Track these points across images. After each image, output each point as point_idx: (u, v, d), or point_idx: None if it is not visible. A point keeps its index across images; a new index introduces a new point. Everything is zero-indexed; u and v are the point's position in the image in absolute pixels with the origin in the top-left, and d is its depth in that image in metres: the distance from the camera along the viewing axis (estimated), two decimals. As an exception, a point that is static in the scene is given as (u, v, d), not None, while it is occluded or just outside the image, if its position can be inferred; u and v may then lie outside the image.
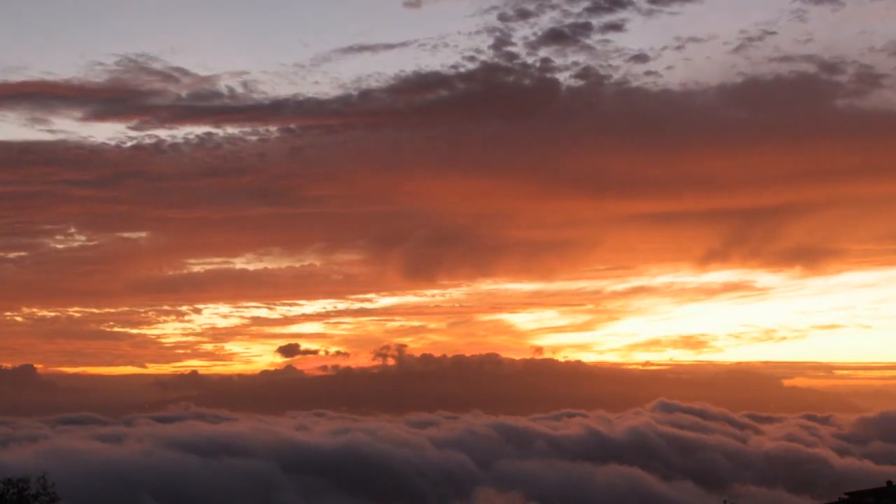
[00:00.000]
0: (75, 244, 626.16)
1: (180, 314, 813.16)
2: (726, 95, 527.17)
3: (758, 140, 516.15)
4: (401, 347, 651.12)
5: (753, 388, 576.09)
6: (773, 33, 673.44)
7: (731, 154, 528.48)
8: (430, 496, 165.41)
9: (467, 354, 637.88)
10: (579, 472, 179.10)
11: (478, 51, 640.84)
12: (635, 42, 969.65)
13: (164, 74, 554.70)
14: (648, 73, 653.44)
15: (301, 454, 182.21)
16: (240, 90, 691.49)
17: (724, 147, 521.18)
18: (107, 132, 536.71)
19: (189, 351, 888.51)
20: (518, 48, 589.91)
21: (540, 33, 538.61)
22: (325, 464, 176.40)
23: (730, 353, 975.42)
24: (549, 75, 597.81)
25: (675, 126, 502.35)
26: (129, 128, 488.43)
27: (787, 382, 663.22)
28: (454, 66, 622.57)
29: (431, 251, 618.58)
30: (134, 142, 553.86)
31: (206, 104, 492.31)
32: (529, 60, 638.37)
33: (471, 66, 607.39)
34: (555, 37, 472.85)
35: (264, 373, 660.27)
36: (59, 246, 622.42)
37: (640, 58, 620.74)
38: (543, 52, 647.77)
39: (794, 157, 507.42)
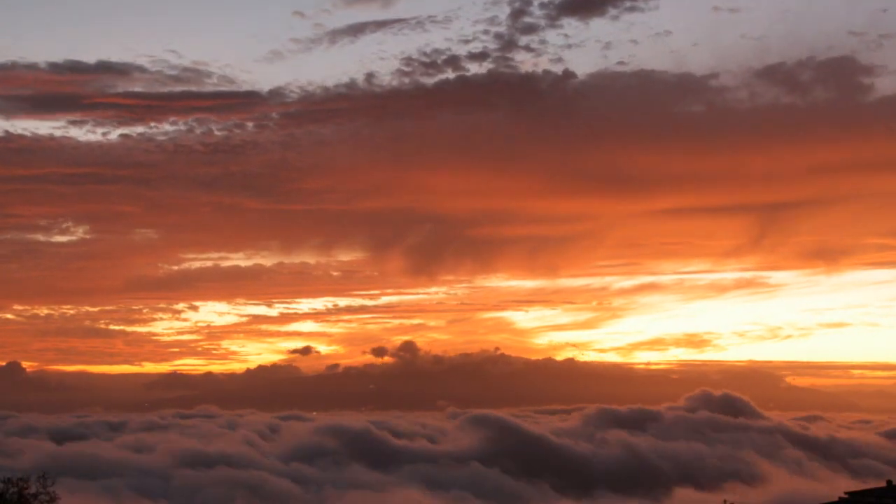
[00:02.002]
0: (66, 239, 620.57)
1: (176, 312, 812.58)
2: (751, 78, 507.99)
3: (779, 130, 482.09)
4: (404, 346, 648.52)
5: (754, 388, 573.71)
6: (816, 4, 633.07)
7: (748, 146, 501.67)
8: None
9: (468, 352, 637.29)
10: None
11: (493, 22, 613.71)
12: (667, 10, 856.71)
13: (154, 59, 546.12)
14: (672, 51, 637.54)
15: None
16: (233, 75, 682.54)
17: (742, 138, 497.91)
18: (94, 122, 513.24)
19: (185, 349, 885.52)
20: (536, 18, 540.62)
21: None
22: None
23: (734, 351, 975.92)
24: (563, 56, 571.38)
25: (692, 114, 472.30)
26: (118, 116, 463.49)
27: (788, 382, 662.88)
28: (465, 40, 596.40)
29: (432, 248, 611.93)
30: (123, 131, 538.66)
31: (197, 90, 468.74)
32: (547, 36, 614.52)
33: (484, 40, 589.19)
34: (579, 4, 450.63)
35: (262, 371, 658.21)
36: (52, 241, 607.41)
37: (664, 34, 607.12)
38: (563, 24, 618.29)
39: (817, 148, 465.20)
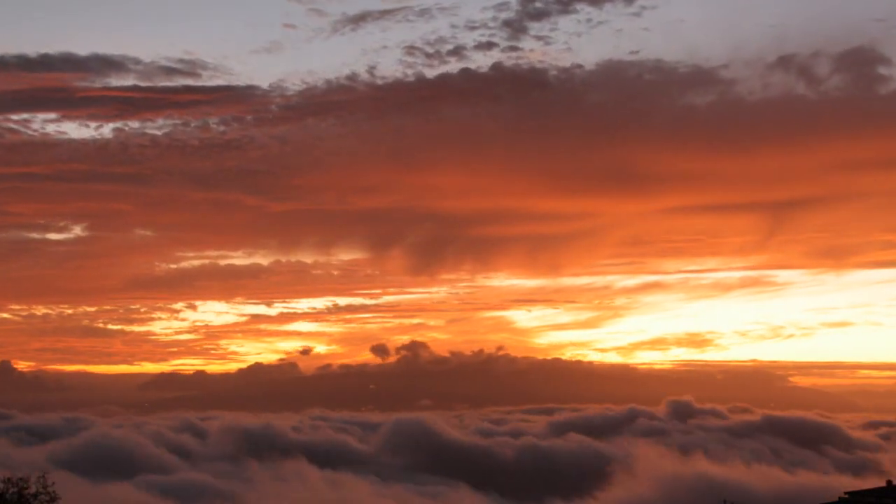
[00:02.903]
0: (62, 237, 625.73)
1: (174, 311, 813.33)
2: (764, 69, 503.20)
3: (790, 124, 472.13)
4: (408, 345, 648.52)
5: (756, 387, 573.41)
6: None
7: (758, 141, 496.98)
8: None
9: (466, 352, 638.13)
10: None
11: (502, 8, 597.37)
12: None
13: (149, 50, 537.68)
14: (684, 40, 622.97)
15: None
16: (230, 66, 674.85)
17: (752, 133, 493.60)
18: (88, 116, 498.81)
19: (183, 349, 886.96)
20: (546, 3, 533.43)
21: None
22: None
23: (737, 351, 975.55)
24: (573, 44, 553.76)
25: (701, 107, 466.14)
26: (112, 110, 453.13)
27: (789, 381, 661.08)
28: (471, 27, 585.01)
29: (433, 246, 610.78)
30: (117, 126, 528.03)
31: (193, 83, 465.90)
32: (559, 22, 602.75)
33: (492, 27, 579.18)
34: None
35: (257, 371, 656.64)
36: (48, 239, 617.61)
37: (677, 22, 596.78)
38: (576, 10, 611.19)
39: (829, 143, 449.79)
